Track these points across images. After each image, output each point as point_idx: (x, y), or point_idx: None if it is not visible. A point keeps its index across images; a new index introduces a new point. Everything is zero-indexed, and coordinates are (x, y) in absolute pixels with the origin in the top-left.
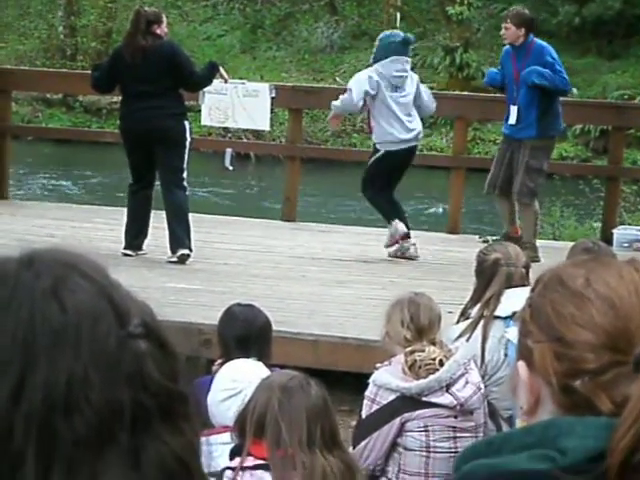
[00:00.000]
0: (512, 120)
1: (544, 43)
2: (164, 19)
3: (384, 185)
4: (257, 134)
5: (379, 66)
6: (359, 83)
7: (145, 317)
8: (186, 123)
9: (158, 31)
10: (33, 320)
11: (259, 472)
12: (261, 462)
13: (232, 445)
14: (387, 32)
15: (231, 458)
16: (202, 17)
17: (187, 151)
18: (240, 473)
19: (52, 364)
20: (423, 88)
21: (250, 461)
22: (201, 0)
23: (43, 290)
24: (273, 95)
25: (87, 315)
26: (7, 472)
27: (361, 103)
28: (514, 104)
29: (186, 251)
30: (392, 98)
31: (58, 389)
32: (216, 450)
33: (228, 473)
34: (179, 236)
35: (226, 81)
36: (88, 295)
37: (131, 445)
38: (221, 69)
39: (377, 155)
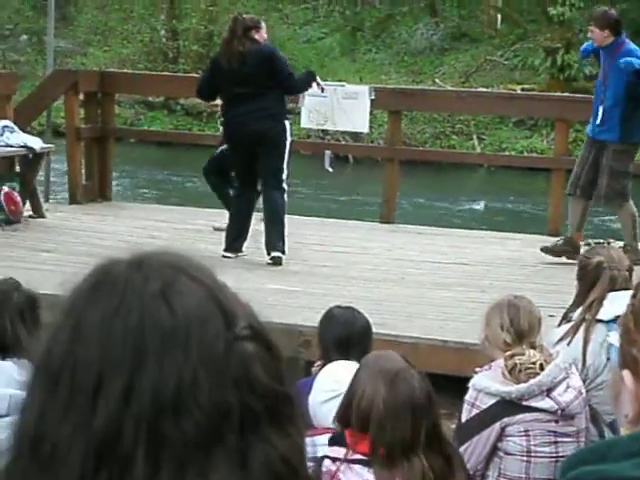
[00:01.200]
0: (597, 121)
1: (633, 46)
2: (263, 25)
3: None
4: (355, 136)
5: None
6: None
7: (251, 319)
8: (286, 123)
9: (256, 36)
10: (143, 323)
11: (357, 467)
12: (361, 457)
13: None
14: None
15: (329, 445)
16: (302, 20)
17: (287, 151)
18: (340, 466)
19: (161, 367)
20: None
21: (350, 454)
22: (301, 3)
23: (152, 293)
24: (372, 97)
25: (195, 318)
26: (117, 473)
27: None
28: (601, 104)
29: (278, 254)
30: None
31: (167, 391)
32: (319, 451)
33: (327, 462)
34: (273, 239)
35: (322, 90)
36: (196, 298)
37: (239, 447)
38: (318, 78)
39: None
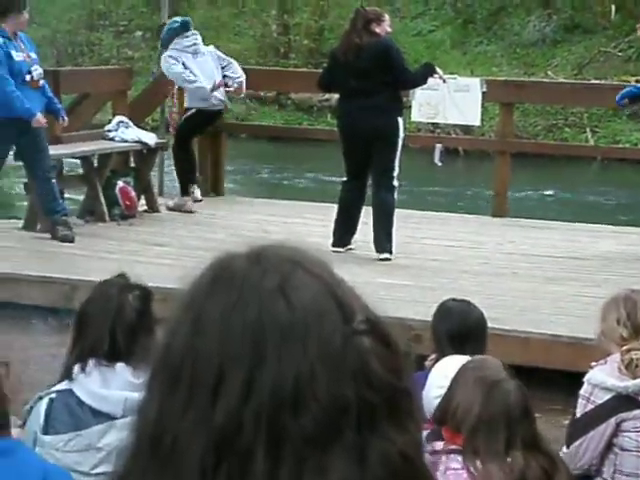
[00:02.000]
0: None
1: None
2: (386, 17)
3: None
4: (466, 129)
5: (172, 47)
6: (170, 69)
7: (368, 313)
8: (399, 119)
9: (377, 29)
10: (261, 318)
11: (456, 455)
12: (459, 447)
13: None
14: (168, 22)
15: (428, 441)
16: (413, 13)
17: (399, 148)
18: (443, 457)
19: (280, 361)
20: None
21: (447, 446)
22: None
23: (270, 288)
24: (484, 89)
25: (313, 312)
26: (237, 468)
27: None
28: None
29: (386, 255)
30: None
31: (286, 386)
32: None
33: (426, 456)
34: (381, 239)
35: (444, 81)
36: (314, 292)
37: (356, 441)
38: (438, 69)
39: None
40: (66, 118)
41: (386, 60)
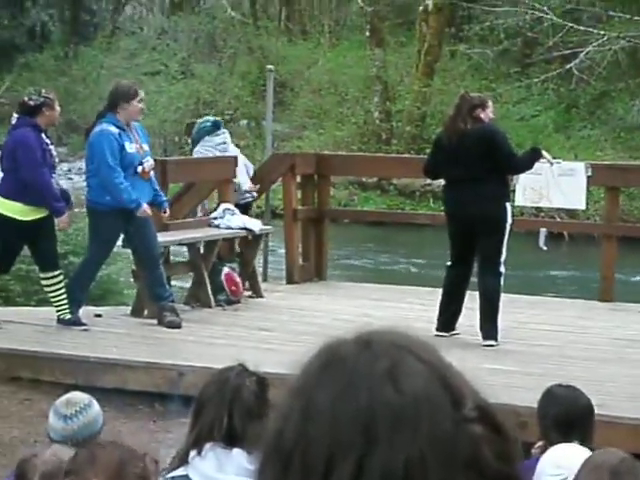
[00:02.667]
0: None
1: None
2: (490, 104)
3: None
4: (570, 213)
5: (203, 143)
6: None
7: (478, 400)
8: (507, 205)
9: (482, 115)
10: (372, 404)
11: None
12: None
13: None
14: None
15: None
16: (515, 98)
17: (507, 233)
18: None
19: (390, 447)
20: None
21: None
22: (515, 81)
23: (381, 373)
24: (589, 174)
25: (423, 398)
26: None
27: None
28: None
29: (491, 342)
30: None
31: (396, 473)
32: None
33: None
34: (486, 326)
35: (552, 164)
36: (424, 378)
37: None
38: (544, 153)
39: None
40: (168, 210)
41: (492, 146)
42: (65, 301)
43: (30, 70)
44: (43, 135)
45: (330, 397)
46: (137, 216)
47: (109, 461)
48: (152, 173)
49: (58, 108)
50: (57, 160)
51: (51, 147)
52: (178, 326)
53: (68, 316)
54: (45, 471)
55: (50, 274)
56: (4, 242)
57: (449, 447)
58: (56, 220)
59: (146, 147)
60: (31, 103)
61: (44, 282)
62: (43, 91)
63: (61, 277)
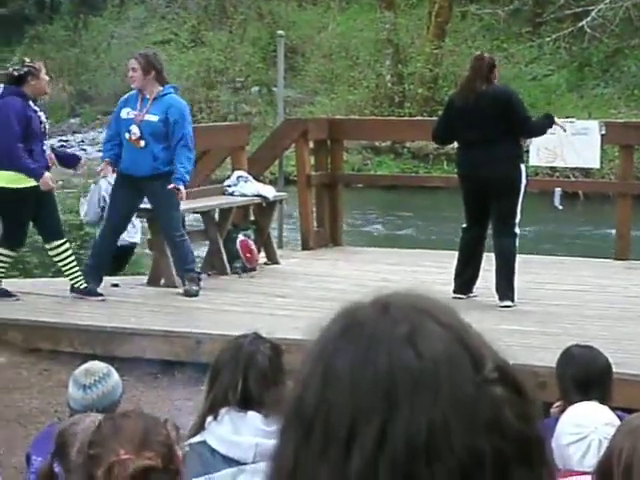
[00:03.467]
0: None
1: None
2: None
3: None
4: (585, 172)
5: None
6: None
7: (499, 361)
8: (522, 167)
9: (494, 76)
10: (392, 368)
11: None
12: None
13: None
14: None
15: None
16: (528, 58)
17: (521, 195)
18: None
19: (412, 411)
20: None
21: None
22: (527, 41)
23: (400, 337)
24: (603, 132)
25: (444, 361)
26: None
27: None
28: None
29: (508, 303)
30: None
31: (420, 436)
32: None
33: None
34: (503, 287)
35: (565, 130)
36: (444, 341)
37: None
38: (557, 120)
39: None
40: (181, 188)
41: (508, 107)
42: (77, 269)
43: (40, 41)
44: (31, 103)
45: (350, 362)
46: (155, 185)
47: (133, 430)
48: (144, 142)
49: (45, 77)
50: (47, 127)
51: (40, 114)
52: (195, 294)
53: (83, 285)
54: (85, 439)
55: (55, 243)
56: (6, 215)
57: (471, 409)
58: (43, 182)
59: (151, 117)
60: (15, 73)
61: (51, 253)
62: (27, 60)
63: (67, 245)
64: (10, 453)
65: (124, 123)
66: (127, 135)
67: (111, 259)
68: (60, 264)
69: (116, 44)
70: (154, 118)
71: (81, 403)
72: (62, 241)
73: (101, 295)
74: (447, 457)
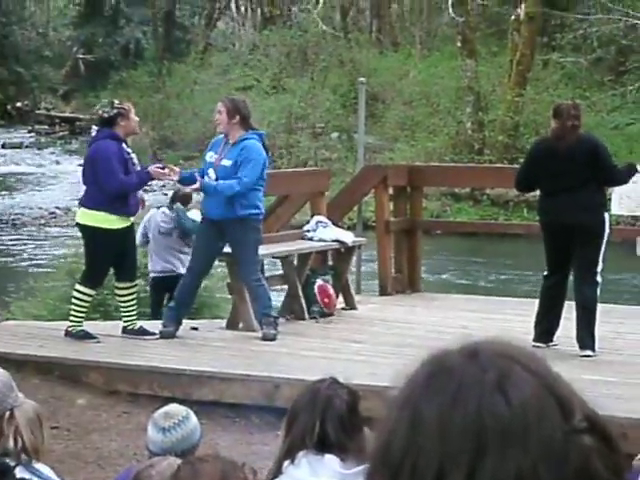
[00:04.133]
0: None
1: None
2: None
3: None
4: None
5: None
6: None
7: (587, 410)
8: (606, 215)
9: (578, 124)
10: (481, 415)
11: None
12: None
13: None
14: None
15: None
16: (610, 106)
17: (604, 243)
18: None
19: (501, 459)
20: None
21: None
22: (609, 90)
23: (489, 384)
24: None
25: (533, 409)
26: None
27: None
28: None
29: (588, 352)
30: None
31: None
32: None
33: None
34: (583, 336)
35: None
36: (532, 389)
37: None
38: (639, 168)
39: None
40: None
41: (596, 158)
42: (134, 312)
43: (124, 87)
44: (124, 145)
45: (438, 408)
46: (234, 229)
47: (212, 474)
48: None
49: (135, 117)
50: (139, 169)
51: (133, 156)
52: (272, 339)
53: (138, 326)
54: None
55: (127, 284)
56: (93, 254)
57: (560, 458)
58: (153, 170)
59: (226, 162)
60: (105, 115)
61: (119, 292)
62: (116, 102)
63: (136, 289)
64: None
65: (206, 166)
66: (206, 179)
67: (192, 303)
68: (122, 304)
69: (199, 90)
70: (228, 163)
71: (160, 446)
72: (133, 284)
73: (154, 334)
74: None
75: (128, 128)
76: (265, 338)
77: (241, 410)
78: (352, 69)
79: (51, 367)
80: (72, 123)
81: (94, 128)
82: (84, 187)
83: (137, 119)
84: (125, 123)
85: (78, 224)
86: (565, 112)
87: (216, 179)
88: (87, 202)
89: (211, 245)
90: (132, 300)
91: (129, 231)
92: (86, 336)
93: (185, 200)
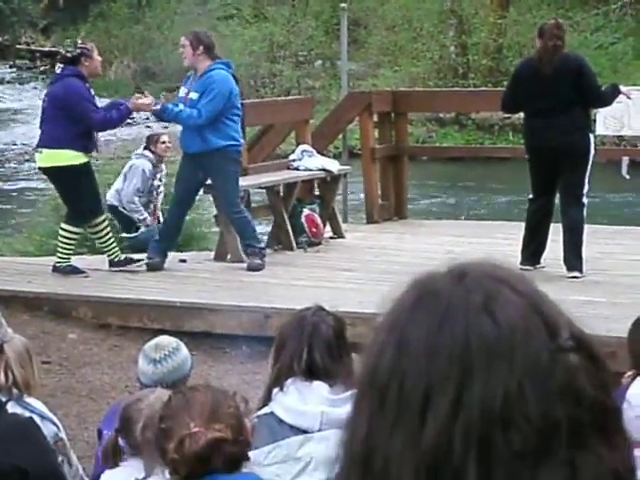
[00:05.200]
0: None
1: None
2: None
3: None
4: None
5: None
6: None
7: (574, 330)
8: (590, 137)
9: (562, 43)
10: (468, 337)
11: None
12: None
13: None
14: None
15: None
16: (593, 26)
17: (590, 165)
18: None
19: (488, 379)
20: None
21: None
22: (592, 9)
23: (476, 306)
24: None
25: (519, 329)
26: None
27: None
28: None
29: (576, 273)
30: None
31: (495, 403)
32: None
33: None
34: (571, 257)
35: (630, 98)
36: (519, 309)
37: (566, 460)
38: (622, 88)
39: None
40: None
41: (580, 77)
42: (114, 243)
43: (104, 19)
44: (87, 85)
45: (425, 330)
46: (212, 162)
47: (203, 404)
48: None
49: (98, 57)
50: (120, 103)
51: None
52: (258, 269)
53: (123, 256)
54: (150, 414)
55: (98, 220)
56: (71, 192)
57: (546, 378)
58: (133, 103)
59: (193, 95)
60: (68, 55)
61: (90, 230)
62: (79, 41)
63: (107, 222)
64: (82, 428)
65: (178, 101)
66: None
67: (178, 235)
68: (99, 241)
69: (180, 21)
70: (195, 95)
71: (151, 377)
72: (103, 218)
73: (140, 260)
74: (522, 424)
75: (92, 68)
76: (250, 268)
77: (232, 341)
78: None
79: (40, 303)
80: (53, 57)
81: (59, 65)
82: (40, 128)
83: (100, 59)
84: (89, 63)
85: (42, 168)
86: (547, 32)
87: None
88: (49, 142)
89: (192, 177)
90: (107, 233)
91: (90, 166)
92: (74, 271)
93: (155, 141)
